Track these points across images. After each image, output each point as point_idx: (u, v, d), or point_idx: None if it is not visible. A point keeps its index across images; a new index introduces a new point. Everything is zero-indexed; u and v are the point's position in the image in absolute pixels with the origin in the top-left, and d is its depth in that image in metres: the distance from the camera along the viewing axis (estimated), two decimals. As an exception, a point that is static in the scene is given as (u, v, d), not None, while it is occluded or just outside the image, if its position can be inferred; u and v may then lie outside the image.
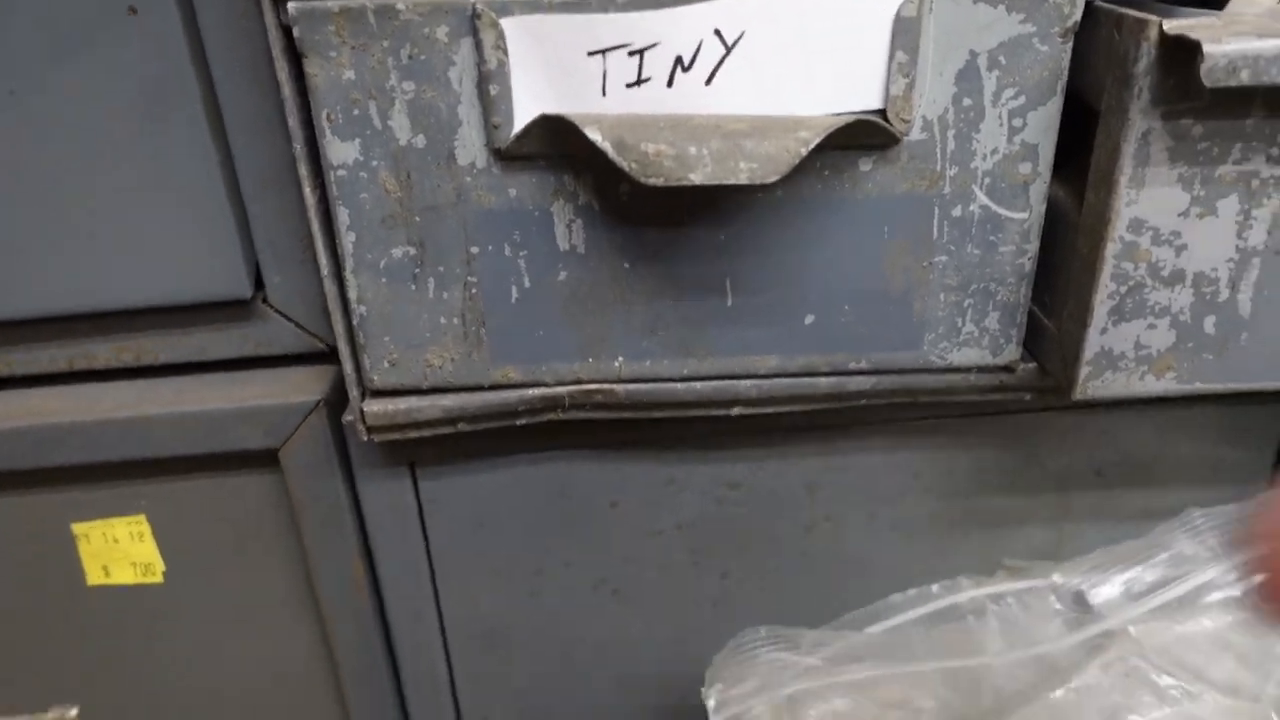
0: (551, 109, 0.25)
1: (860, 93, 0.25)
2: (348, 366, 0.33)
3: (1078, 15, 0.28)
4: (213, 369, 0.39)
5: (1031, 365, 0.35)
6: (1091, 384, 0.32)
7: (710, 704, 0.36)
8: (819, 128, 0.24)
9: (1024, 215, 0.31)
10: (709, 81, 0.24)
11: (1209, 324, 0.32)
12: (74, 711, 0.45)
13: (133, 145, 0.33)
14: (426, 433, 0.34)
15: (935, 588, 0.40)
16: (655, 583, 0.42)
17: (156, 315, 0.37)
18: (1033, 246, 0.32)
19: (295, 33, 0.26)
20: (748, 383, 0.34)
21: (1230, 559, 0.34)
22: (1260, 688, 0.33)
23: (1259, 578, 0.25)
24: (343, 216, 0.29)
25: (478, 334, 0.31)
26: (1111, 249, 0.30)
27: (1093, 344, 0.32)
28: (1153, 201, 0.29)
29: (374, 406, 0.33)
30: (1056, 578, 0.38)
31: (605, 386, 0.34)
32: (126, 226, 0.35)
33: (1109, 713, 0.33)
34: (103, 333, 0.37)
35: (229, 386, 0.38)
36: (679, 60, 0.23)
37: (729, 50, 0.23)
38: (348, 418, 0.36)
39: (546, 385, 0.34)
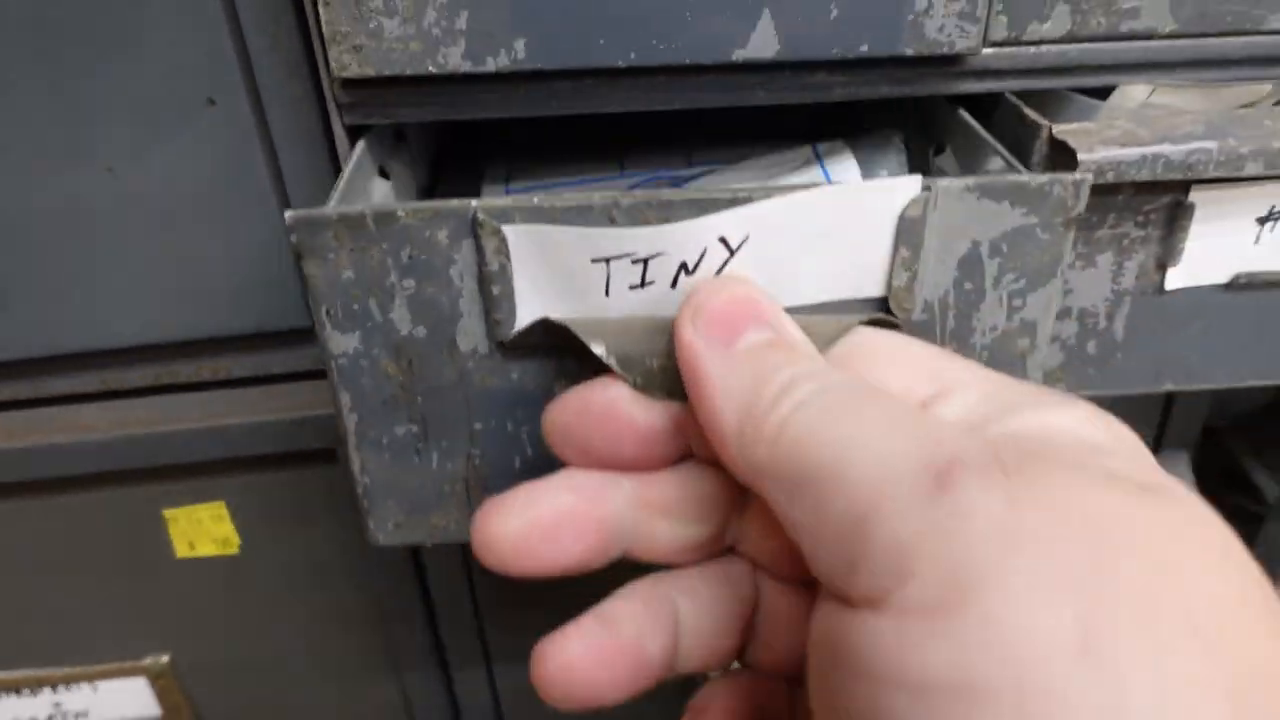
0: (554, 307, 0.25)
1: (862, 283, 0.25)
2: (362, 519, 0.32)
3: (1081, 207, 0.29)
4: (279, 381, 0.46)
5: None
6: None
7: None
8: (824, 337, 0.24)
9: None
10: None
11: (1090, 347, 0.40)
12: (165, 658, 0.53)
13: (213, 213, 0.40)
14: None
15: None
16: None
17: (234, 340, 0.44)
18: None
19: (292, 238, 0.25)
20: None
21: None
22: None
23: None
24: (344, 399, 0.28)
25: (481, 498, 0.30)
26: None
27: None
28: (1046, 258, 0.37)
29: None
30: None
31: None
32: (208, 274, 0.42)
33: None
34: (187, 355, 0.44)
35: (293, 396, 0.45)
36: (683, 265, 0.23)
37: (733, 254, 0.23)
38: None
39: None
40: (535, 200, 0.24)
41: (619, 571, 0.25)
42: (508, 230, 0.24)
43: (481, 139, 0.45)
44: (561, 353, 0.27)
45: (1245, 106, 0.39)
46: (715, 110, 0.34)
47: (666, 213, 0.24)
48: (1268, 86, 0.38)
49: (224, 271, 0.41)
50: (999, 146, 0.32)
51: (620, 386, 0.24)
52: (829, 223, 0.24)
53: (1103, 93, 0.39)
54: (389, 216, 0.24)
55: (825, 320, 0.25)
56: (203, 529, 0.49)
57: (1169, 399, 0.59)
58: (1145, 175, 0.34)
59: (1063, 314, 0.38)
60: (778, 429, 0.19)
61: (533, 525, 0.22)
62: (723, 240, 0.23)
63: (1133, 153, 0.33)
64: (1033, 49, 0.36)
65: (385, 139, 0.36)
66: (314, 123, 0.38)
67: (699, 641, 0.24)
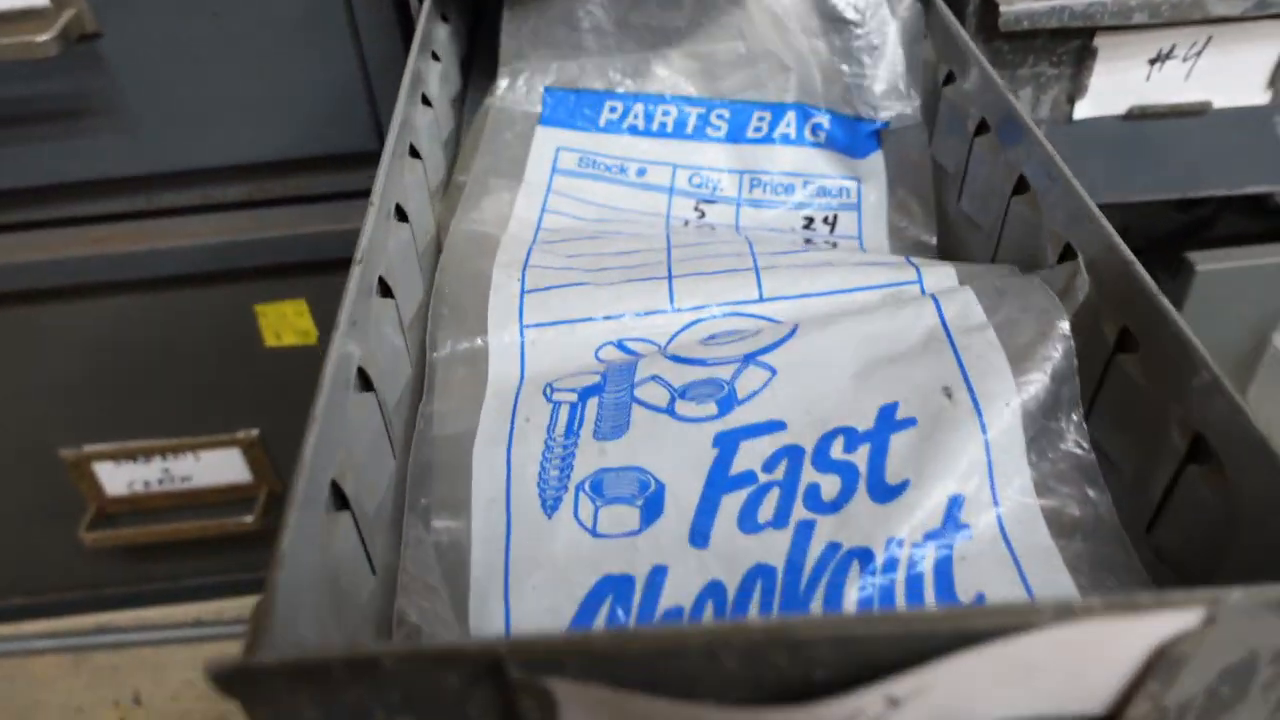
0: None
1: (1072, 703, 0.18)
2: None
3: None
4: (352, 198, 0.55)
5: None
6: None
7: None
8: None
9: None
10: None
11: (1014, 167, 0.49)
12: (255, 432, 0.64)
13: (297, 52, 0.48)
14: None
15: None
16: None
17: (313, 161, 0.53)
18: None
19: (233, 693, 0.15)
20: None
21: None
22: None
23: None
24: None
25: None
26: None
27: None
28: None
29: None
30: None
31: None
32: (293, 104, 0.50)
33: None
34: (276, 174, 0.54)
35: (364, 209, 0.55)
36: None
37: (897, 705, 0.15)
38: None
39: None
40: (595, 639, 0.14)
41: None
42: (557, 689, 0.15)
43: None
44: None
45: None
46: None
47: (805, 663, 0.14)
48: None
49: (306, 102, 0.50)
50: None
51: None
52: (1046, 658, 0.16)
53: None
54: (367, 665, 0.15)
55: None
56: (287, 322, 0.59)
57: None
58: (1054, 23, 0.43)
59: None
60: None
61: None
62: (890, 699, 0.15)
63: (1043, 5, 0.42)
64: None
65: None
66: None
67: None
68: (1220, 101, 0.47)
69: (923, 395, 0.25)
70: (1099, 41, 0.45)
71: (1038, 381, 0.25)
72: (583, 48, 0.40)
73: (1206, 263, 0.51)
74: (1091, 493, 0.24)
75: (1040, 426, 0.25)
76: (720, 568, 0.23)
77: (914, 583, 0.22)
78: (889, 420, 0.25)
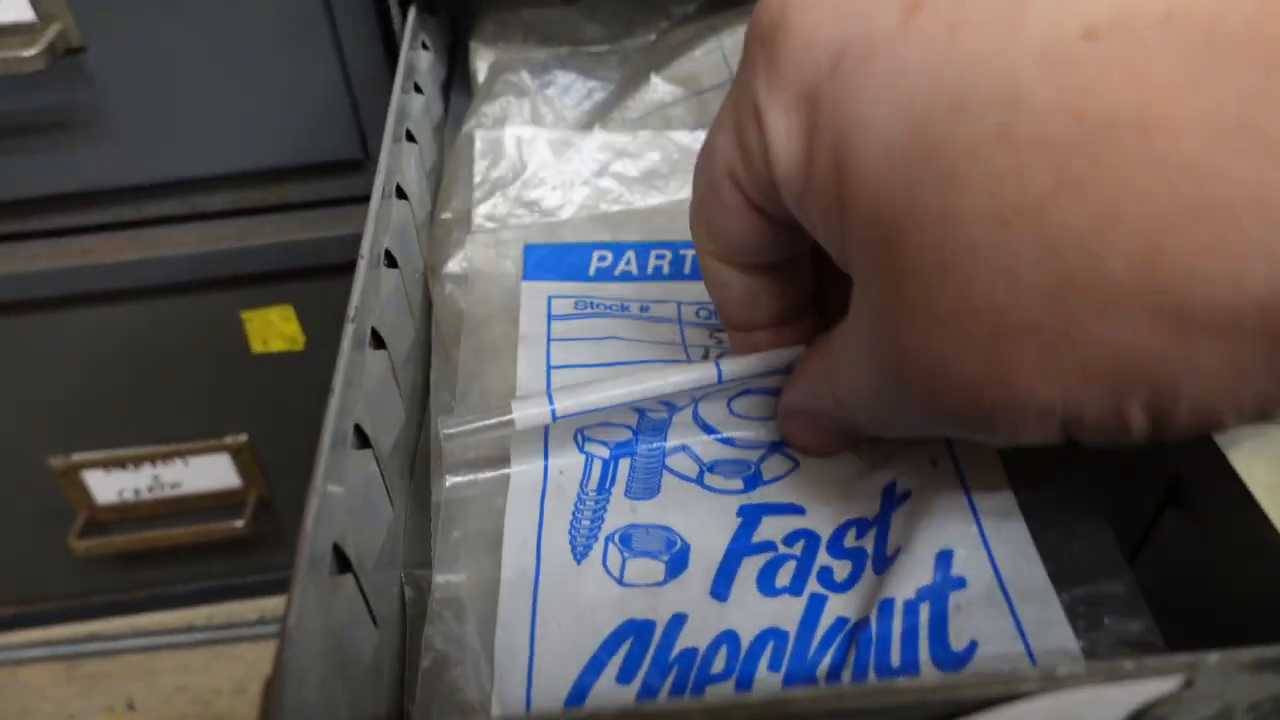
0: None
1: None
2: None
3: None
4: (336, 205, 0.56)
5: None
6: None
7: None
8: None
9: None
10: None
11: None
12: (244, 437, 0.65)
13: (282, 64, 0.49)
14: None
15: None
16: None
17: (298, 170, 0.54)
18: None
19: None
20: None
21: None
22: None
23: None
24: None
25: None
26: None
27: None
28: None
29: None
30: None
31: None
32: (278, 114, 0.51)
33: None
34: (260, 183, 0.54)
35: (347, 216, 0.56)
36: None
37: None
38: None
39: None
40: (599, 714, 0.15)
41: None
42: None
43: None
44: None
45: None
46: None
47: None
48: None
49: (289, 111, 0.51)
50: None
51: None
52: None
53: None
54: None
55: None
56: (274, 328, 0.60)
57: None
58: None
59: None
60: None
61: None
62: None
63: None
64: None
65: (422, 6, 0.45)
66: (367, -11, 0.47)
67: None
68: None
69: (915, 467, 0.27)
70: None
71: None
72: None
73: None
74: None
75: None
76: (737, 620, 0.24)
77: (910, 635, 0.23)
78: (891, 498, 0.27)
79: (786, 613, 0.24)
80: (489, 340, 0.33)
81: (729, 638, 0.24)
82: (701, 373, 0.28)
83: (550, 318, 0.34)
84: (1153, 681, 0.16)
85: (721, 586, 0.25)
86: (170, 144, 0.52)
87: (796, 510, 0.27)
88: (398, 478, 0.29)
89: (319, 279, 0.58)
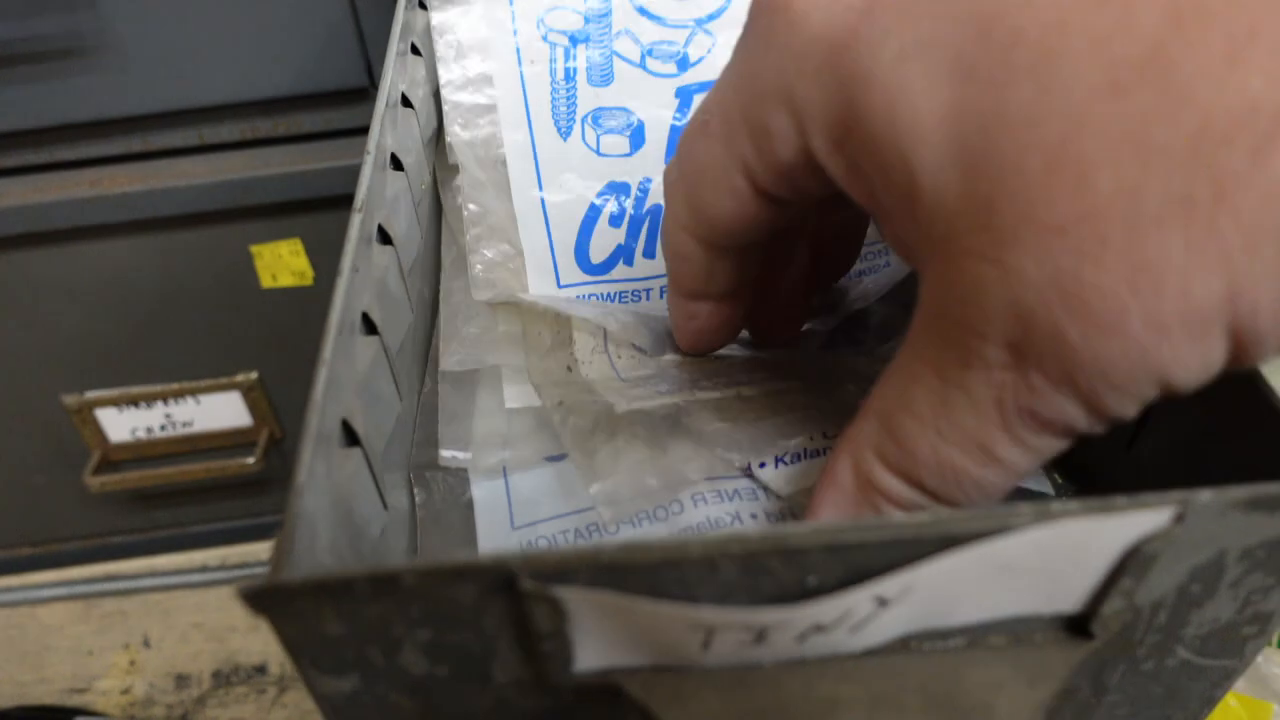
0: (628, 659, 0.18)
1: (1047, 603, 0.18)
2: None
3: None
4: (345, 135, 0.56)
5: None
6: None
7: None
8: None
9: (1233, 662, 0.23)
10: (854, 631, 0.17)
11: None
12: (255, 375, 0.65)
13: (289, -16, 0.49)
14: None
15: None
16: None
17: (305, 99, 0.54)
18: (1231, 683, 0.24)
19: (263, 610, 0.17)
20: None
21: None
22: None
23: None
24: None
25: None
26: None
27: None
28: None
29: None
30: None
31: None
32: (285, 42, 0.51)
33: None
34: (268, 113, 0.54)
35: (355, 148, 0.56)
36: (816, 626, 0.17)
37: (885, 605, 0.17)
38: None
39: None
40: (603, 551, 0.15)
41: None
42: (566, 595, 0.16)
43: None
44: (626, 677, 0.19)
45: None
46: None
47: (799, 568, 0.16)
48: None
49: (295, 39, 0.51)
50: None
51: None
52: (1024, 558, 0.16)
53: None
54: (388, 581, 0.16)
55: None
56: (283, 262, 0.60)
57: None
58: None
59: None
60: None
61: None
62: (879, 599, 0.16)
63: None
64: None
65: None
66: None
67: None
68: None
69: None
70: None
71: None
72: None
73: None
74: None
75: None
76: None
77: None
78: None
79: None
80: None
81: None
82: None
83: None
84: (1145, 514, 0.16)
85: (670, 154, 0.32)
86: (176, 71, 0.52)
87: None
88: (404, 375, 0.29)
89: (327, 211, 0.58)
